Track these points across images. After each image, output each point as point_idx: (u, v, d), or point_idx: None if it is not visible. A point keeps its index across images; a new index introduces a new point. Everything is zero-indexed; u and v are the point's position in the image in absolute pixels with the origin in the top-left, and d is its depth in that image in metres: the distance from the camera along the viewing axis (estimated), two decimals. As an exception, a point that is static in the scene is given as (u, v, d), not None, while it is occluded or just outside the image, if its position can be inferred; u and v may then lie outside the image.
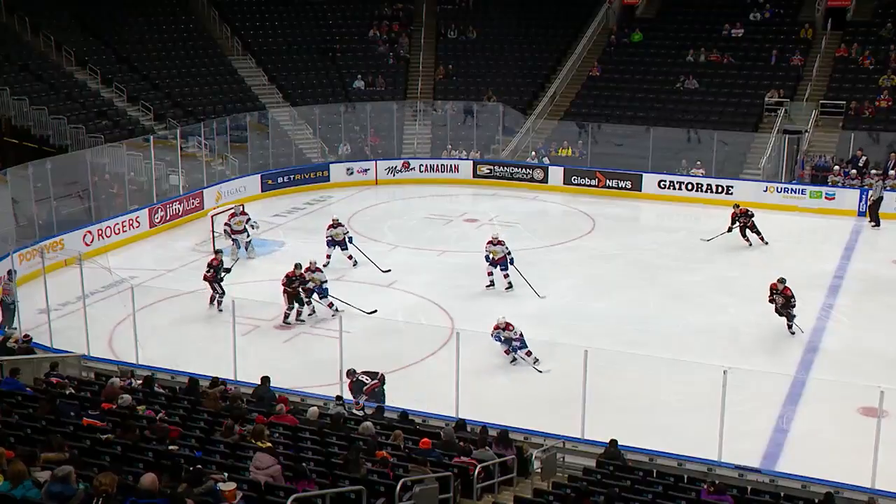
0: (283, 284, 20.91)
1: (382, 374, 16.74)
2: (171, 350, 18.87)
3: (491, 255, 22.69)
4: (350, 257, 24.79)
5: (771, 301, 20.08)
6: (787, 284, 20.09)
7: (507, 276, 22.79)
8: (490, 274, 22.95)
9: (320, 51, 40.24)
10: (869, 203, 29.19)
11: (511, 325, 18.57)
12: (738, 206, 26.87)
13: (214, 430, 12.84)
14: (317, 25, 41.39)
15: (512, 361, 18.72)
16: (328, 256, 24.58)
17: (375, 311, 21.01)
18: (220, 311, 21.18)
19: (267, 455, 10.81)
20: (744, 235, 26.51)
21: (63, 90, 33.43)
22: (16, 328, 20.19)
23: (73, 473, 8.80)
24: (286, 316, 20.83)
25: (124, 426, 11.84)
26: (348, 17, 42.04)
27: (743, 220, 26.44)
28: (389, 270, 23.95)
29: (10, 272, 21.24)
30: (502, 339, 18.51)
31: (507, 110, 36.58)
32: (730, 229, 26.44)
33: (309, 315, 21.20)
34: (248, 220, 25.81)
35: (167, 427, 12.25)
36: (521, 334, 18.54)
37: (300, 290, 20.93)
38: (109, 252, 25.52)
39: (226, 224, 25.86)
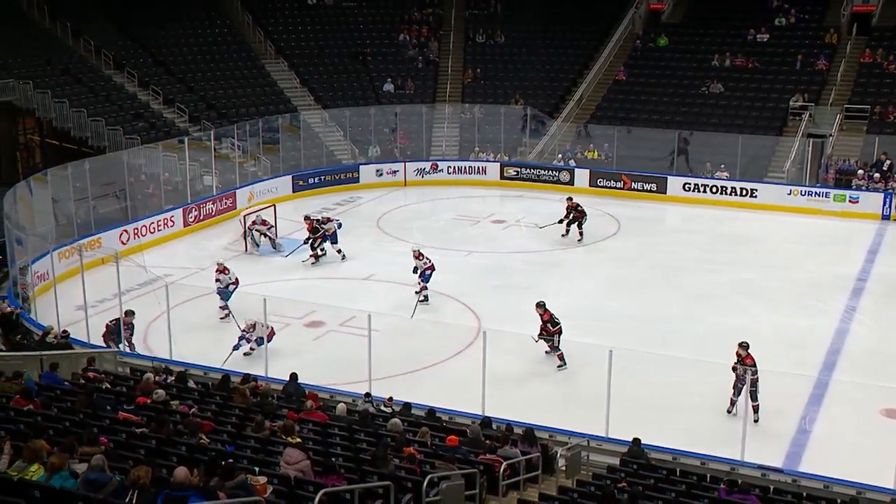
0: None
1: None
2: (204, 347, 18.99)
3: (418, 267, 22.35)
4: (339, 251, 25.46)
5: (733, 369, 16.43)
6: (749, 352, 16.51)
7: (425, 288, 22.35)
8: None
9: (351, 54, 40.77)
10: None
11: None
12: (571, 199, 27.85)
13: (245, 425, 12.90)
14: (348, 30, 41.94)
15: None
16: (321, 251, 25.37)
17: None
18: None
19: (297, 450, 10.88)
20: (568, 228, 27.36)
21: (102, 93, 34.11)
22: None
23: (106, 463, 9.08)
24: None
25: (158, 420, 11.99)
26: (378, 22, 42.57)
27: (576, 213, 27.20)
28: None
29: (21, 269, 21.91)
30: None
31: (534, 113, 36.91)
32: (562, 220, 27.32)
33: (313, 263, 24.63)
34: (270, 227, 26.48)
35: (200, 422, 12.37)
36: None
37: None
38: (145, 250, 25.75)
39: (251, 228, 26.39)
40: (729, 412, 16.53)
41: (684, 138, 33.53)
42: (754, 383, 15.89)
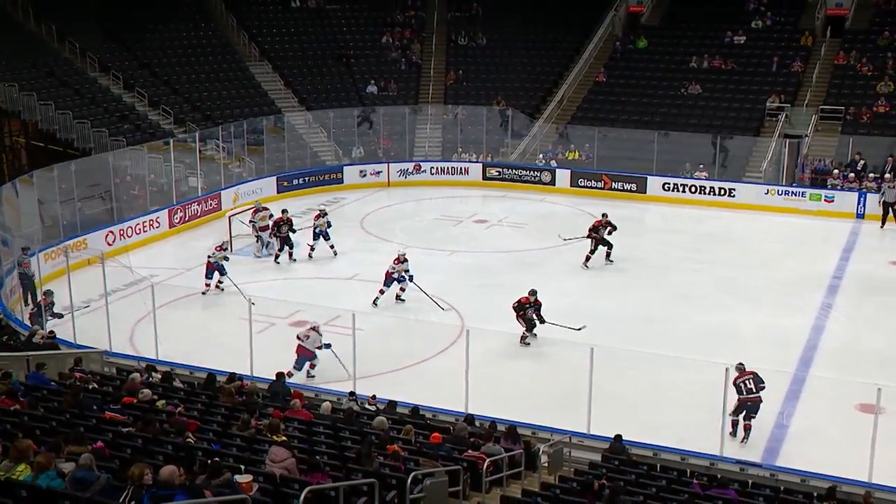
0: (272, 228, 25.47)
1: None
2: (190, 346, 19.01)
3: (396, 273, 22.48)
4: (332, 247, 25.86)
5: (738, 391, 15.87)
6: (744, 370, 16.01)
7: (404, 290, 22.66)
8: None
9: (334, 57, 40.95)
10: (881, 204, 29.22)
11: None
12: (605, 216, 25.56)
13: (231, 424, 12.84)
14: (331, 32, 42.12)
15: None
16: (311, 248, 25.76)
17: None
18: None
19: (282, 448, 10.87)
20: (595, 248, 25.18)
21: (87, 95, 34.12)
22: (30, 305, 21.36)
23: (94, 461, 9.04)
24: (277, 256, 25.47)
25: (144, 420, 11.94)
26: (361, 24, 42.75)
27: (608, 229, 25.19)
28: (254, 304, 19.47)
29: (24, 249, 22.22)
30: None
31: (516, 114, 37.20)
32: (589, 235, 25.33)
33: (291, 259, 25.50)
34: (271, 215, 26.32)
35: (186, 421, 12.28)
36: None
37: (289, 233, 25.14)
38: (131, 251, 25.75)
39: (250, 221, 26.58)
40: (733, 435, 15.82)
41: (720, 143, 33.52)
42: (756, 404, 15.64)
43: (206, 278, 23.23)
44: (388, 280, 22.40)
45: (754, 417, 15.73)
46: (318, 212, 26.28)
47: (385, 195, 34.03)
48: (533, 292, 20.03)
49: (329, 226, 25.92)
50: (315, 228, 25.85)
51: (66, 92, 33.76)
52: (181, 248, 27.35)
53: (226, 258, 23.51)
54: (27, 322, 19.76)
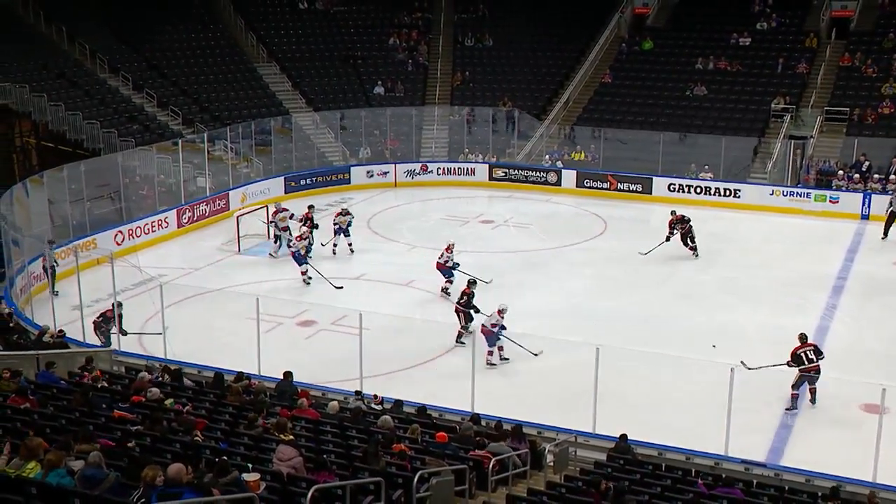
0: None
1: None
2: (198, 346, 19.04)
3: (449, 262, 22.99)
4: (350, 244, 26.20)
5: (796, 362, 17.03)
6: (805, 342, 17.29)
7: (451, 282, 23.06)
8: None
9: (342, 58, 41.20)
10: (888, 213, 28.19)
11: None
12: (674, 213, 26.25)
13: (239, 422, 12.92)
14: (339, 34, 42.39)
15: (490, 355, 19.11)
16: (335, 244, 26.07)
17: (541, 352, 19.19)
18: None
19: (289, 447, 10.94)
20: (685, 243, 25.79)
21: (97, 96, 34.44)
22: (57, 291, 21.78)
23: (103, 459, 9.07)
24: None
25: (153, 418, 12.03)
26: (369, 26, 42.98)
27: (681, 226, 25.86)
28: (342, 287, 23.30)
29: (49, 241, 22.72)
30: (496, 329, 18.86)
31: (522, 115, 37.37)
32: (668, 238, 25.84)
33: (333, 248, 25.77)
34: (292, 215, 26.57)
35: (194, 420, 12.36)
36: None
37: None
38: (139, 251, 25.84)
39: (271, 221, 26.86)
40: (792, 408, 16.84)
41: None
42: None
43: (299, 266, 23.86)
44: (445, 271, 22.86)
45: (817, 380, 16.81)
46: (340, 209, 26.68)
47: (392, 195, 34.13)
48: (472, 283, 20.61)
49: (349, 224, 26.23)
50: (336, 225, 26.23)
51: (76, 93, 34.08)
52: (189, 248, 27.48)
53: (307, 248, 24.24)
54: (96, 334, 19.27)
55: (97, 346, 18.57)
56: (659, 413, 16.48)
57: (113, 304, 19.17)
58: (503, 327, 18.93)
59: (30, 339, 18.40)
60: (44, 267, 22.61)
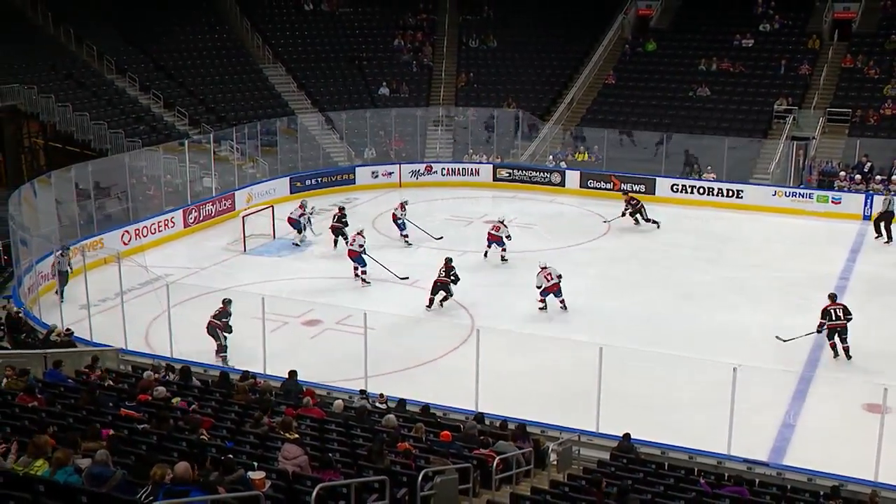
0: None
1: None
2: (204, 345, 19.02)
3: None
4: (405, 236, 27.72)
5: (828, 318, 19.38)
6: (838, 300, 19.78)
7: (506, 250, 26.08)
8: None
9: (347, 59, 41.37)
10: (875, 216, 28.68)
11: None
12: (626, 192, 30.60)
13: (244, 421, 12.95)
14: (344, 35, 42.53)
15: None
16: (405, 237, 27.81)
17: (407, 278, 23.92)
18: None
19: (294, 446, 10.92)
20: (634, 218, 29.40)
21: (104, 97, 34.65)
22: (63, 298, 21.75)
23: (109, 457, 9.12)
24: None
25: (159, 417, 12.10)
26: (374, 27, 43.13)
27: (631, 206, 29.35)
28: (407, 278, 24.50)
29: (64, 247, 22.77)
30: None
31: (526, 116, 37.51)
32: (623, 213, 29.35)
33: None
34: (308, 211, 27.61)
35: (200, 418, 12.32)
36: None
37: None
38: (146, 251, 25.86)
39: (305, 216, 27.54)
40: (836, 356, 19.22)
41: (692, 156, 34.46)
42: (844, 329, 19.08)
43: (360, 265, 24.35)
44: (491, 241, 25.66)
45: (847, 338, 19.08)
46: (400, 203, 28.03)
47: (397, 195, 33.44)
48: (448, 259, 22.63)
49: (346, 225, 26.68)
50: (397, 220, 27.51)
51: (84, 94, 34.30)
52: (195, 248, 27.61)
53: (362, 247, 24.62)
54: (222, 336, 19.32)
55: (104, 346, 18.61)
56: (662, 412, 16.54)
57: (224, 301, 19.21)
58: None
59: (38, 338, 18.55)
60: (56, 271, 22.59)
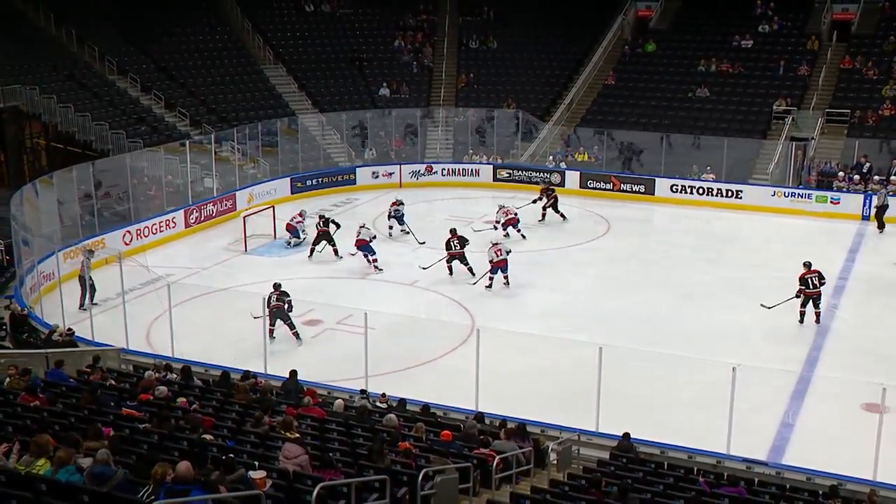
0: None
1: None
2: (205, 345, 19.14)
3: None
4: (406, 231, 28.33)
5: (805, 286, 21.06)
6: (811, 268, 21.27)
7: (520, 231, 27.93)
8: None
9: (348, 60, 41.42)
10: (874, 209, 29.53)
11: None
12: (547, 183, 32.35)
13: (245, 421, 13.00)
14: (344, 36, 42.60)
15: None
16: (407, 232, 28.39)
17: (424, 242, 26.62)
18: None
19: (295, 445, 10.94)
20: (544, 210, 30.13)
21: (105, 98, 34.69)
22: (97, 303, 21.58)
23: (111, 457, 9.14)
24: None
25: (160, 416, 12.15)
26: (374, 28, 43.23)
27: (547, 195, 30.20)
28: (424, 242, 27.14)
29: (89, 251, 22.59)
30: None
31: (526, 117, 37.59)
32: (534, 200, 30.35)
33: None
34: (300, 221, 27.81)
35: (201, 418, 12.39)
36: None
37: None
38: (147, 251, 25.92)
39: (303, 223, 27.65)
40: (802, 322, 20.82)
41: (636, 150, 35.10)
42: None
43: (371, 255, 24.96)
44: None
45: (820, 305, 20.89)
46: (396, 200, 28.76)
47: (397, 196, 34.12)
48: (453, 230, 24.35)
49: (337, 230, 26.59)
50: (394, 213, 28.22)
51: (85, 95, 34.33)
52: (196, 248, 27.67)
53: (373, 237, 25.46)
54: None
55: (105, 346, 18.68)
56: (661, 412, 16.61)
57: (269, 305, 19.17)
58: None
59: (39, 338, 18.61)
60: (80, 277, 22.18)
